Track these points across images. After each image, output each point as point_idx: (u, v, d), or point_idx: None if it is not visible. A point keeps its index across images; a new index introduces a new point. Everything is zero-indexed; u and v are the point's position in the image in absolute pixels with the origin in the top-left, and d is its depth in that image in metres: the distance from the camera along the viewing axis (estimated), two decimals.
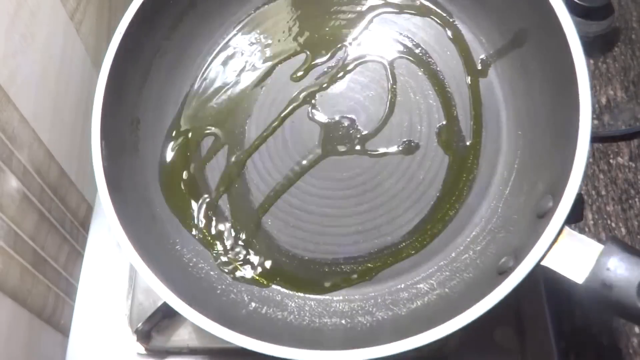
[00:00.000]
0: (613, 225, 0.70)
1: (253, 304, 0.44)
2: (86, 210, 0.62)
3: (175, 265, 0.44)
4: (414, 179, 0.47)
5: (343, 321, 0.43)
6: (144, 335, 0.49)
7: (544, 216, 0.36)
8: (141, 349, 0.49)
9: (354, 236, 0.46)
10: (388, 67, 0.51)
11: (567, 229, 0.35)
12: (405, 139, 0.49)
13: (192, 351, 0.49)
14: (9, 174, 0.49)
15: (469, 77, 0.49)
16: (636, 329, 0.67)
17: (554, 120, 0.42)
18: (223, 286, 0.45)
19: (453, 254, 0.44)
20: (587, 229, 0.69)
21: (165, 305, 0.49)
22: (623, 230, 0.69)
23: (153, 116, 0.50)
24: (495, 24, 0.49)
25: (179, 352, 0.49)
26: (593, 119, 0.75)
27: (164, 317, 0.49)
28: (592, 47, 0.78)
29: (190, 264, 0.46)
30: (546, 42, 0.43)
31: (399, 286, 0.44)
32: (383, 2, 0.53)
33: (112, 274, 0.52)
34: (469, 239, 0.44)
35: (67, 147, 0.59)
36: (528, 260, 0.34)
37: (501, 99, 0.48)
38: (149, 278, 0.39)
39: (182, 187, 0.49)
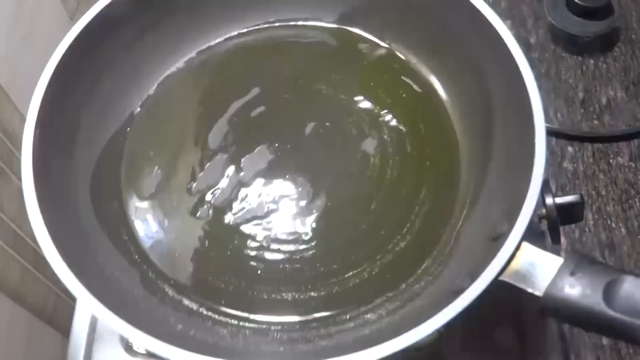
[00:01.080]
0: (613, 225, 0.69)
1: (180, 326, 0.41)
2: None
3: (95, 275, 0.41)
4: (365, 207, 0.46)
5: (282, 348, 0.41)
6: None
7: (498, 239, 0.36)
8: (141, 349, 0.49)
9: (295, 262, 0.44)
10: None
11: (525, 244, 0.35)
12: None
13: None
14: (9, 174, 0.49)
15: (422, 112, 0.48)
16: None
17: (508, 154, 0.42)
18: (147, 305, 0.42)
19: (403, 285, 0.42)
20: (587, 229, 0.69)
21: None
22: (623, 230, 0.69)
23: (95, 123, 0.47)
24: (451, 61, 0.49)
25: None
26: (593, 118, 0.75)
27: None
28: (592, 47, 0.78)
29: (112, 278, 0.42)
30: (502, 79, 0.43)
31: (345, 317, 0.42)
32: None
33: None
34: (420, 270, 0.43)
35: None
36: (483, 278, 0.34)
37: (457, 138, 0.47)
38: (61, 271, 0.37)
39: (115, 203, 0.46)
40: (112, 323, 0.36)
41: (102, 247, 0.43)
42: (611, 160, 0.73)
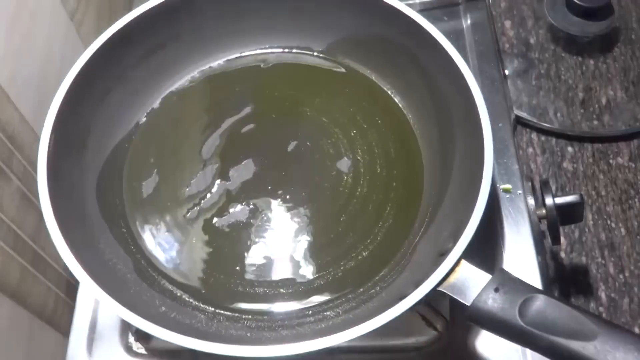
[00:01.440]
0: (613, 225, 0.70)
1: (163, 308, 0.46)
2: None
3: (95, 258, 0.46)
4: (336, 219, 0.51)
5: (248, 334, 0.46)
6: (144, 335, 0.49)
7: (444, 254, 0.41)
8: (141, 348, 0.50)
9: (269, 262, 0.49)
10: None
11: (464, 262, 0.41)
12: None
13: (192, 351, 0.49)
14: (9, 174, 0.49)
15: (394, 138, 0.53)
16: (636, 329, 0.67)
17: (463, 182, 0.47)
18: (137, 289, 0.47)
19: (361, 289, 0.47)
20: (587, 229, 0.69)
21: None
22: (623, 230, 0.69)
23: (103, 132, 0.52)
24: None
25: (179, 352, 0.49)
26: (593, 119, 0.75)
27: None
28: (592, 47, 0.78)
29: (110, 263, 0.47)
30: (463, 118, 0.48)
31: (307, 312, 0.47)
32: None
33: None
34: (377, 277, 0.47)
35: None
36: (424, 287, 0.40)
37: (423, 163, 0.52)
38: (68, 259, 0.42)
39: (117, 200, 0.51)
40: (105, 301, 0.41)
41: (103, 236, 0.49)
42: (611, 161, 0.73)
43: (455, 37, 0.63)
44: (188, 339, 0.39)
